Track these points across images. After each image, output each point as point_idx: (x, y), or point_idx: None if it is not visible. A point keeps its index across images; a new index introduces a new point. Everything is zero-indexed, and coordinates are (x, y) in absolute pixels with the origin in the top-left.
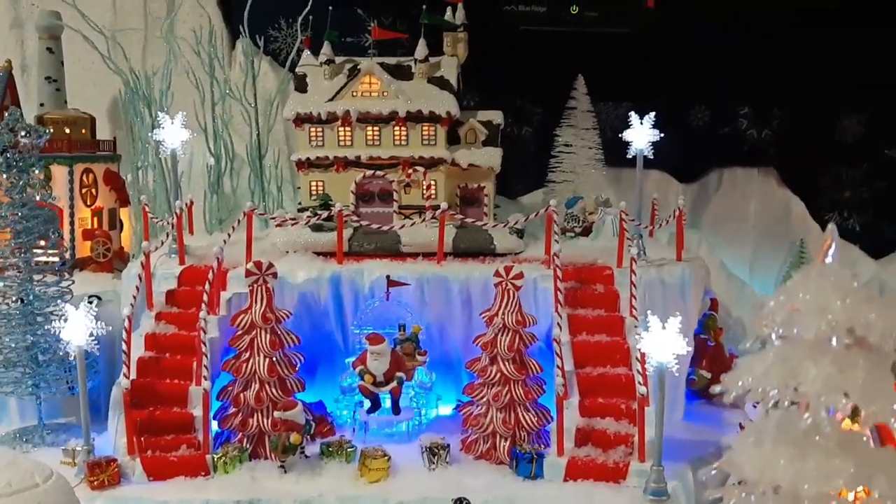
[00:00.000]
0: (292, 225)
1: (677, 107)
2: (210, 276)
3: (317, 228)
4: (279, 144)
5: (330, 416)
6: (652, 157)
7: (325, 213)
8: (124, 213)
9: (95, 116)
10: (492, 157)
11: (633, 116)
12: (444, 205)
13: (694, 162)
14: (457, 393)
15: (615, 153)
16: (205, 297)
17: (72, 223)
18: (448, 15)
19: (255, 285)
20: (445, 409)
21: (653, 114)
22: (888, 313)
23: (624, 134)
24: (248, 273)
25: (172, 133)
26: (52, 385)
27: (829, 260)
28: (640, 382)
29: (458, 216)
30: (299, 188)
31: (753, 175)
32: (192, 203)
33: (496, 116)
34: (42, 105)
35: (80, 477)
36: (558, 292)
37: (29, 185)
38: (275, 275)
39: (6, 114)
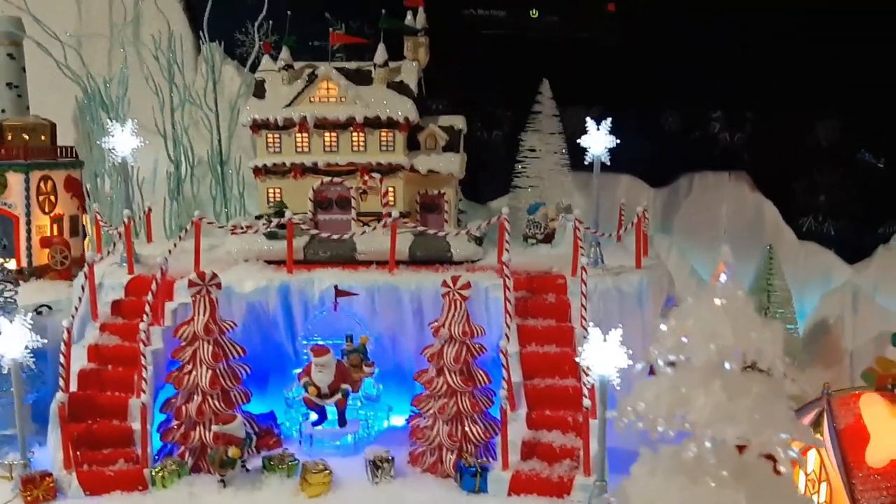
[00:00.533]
0: (247, 233)
1: (648, 111)
2: (153, 286)
3: (271, 236)
4: (244, 150)
5: (277, 429)
6: (619, 162)
7: (277, 221)
8: (86, 220)
9: (57, 123)
10: (452, 163)
11: (590, 122)
12: (395, 212)
13: (665, 166)
14: (409, 404)
15: (583, 158)
16: (147, 308)
17: (28, 230)
18: (409, 19)
19: (198, 296)
20: (398, 420)
21: (609, 119)
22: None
23: (581, 140)
24: (191, 283)
25: (123, 140)
26: None
27: (721, 282)
28: (585, 395)
29: (410, 224)
30: None
31: (725, 179)
32: (150, 210)
33: (458, 121)
34: (3, 111)
35: (15, 492)
36: (507, 302)
37: None
38: (219, 285)
39: None
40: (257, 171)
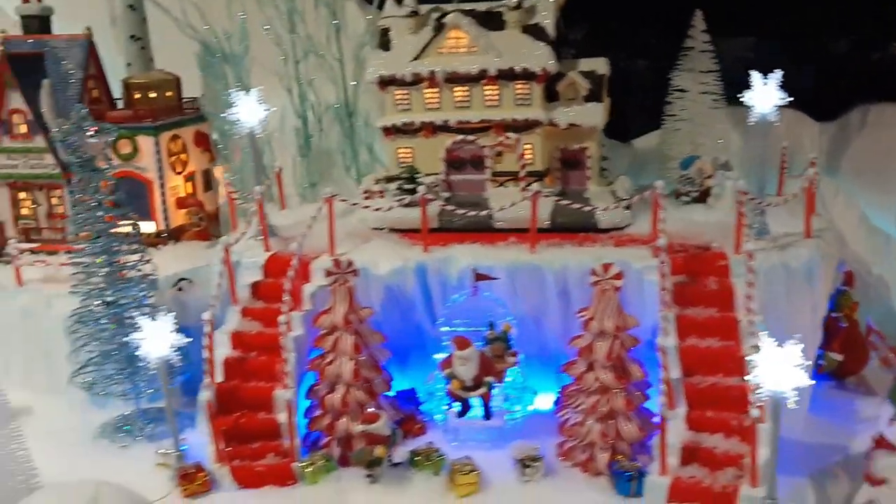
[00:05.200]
0: (380, 197)
1: (813, 34)
2: (291, 272)
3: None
4: (369, 97)
5: (421, 413)
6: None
7: (412, 193)
8: (219, 172)
9: (178, 72)
10: (595, 115)
11: (755, 76)
12: (535, 185)
13: (834, 97)
14: (556, 384)
15: (737, 90)
16: (286, 296)
17: (163, 193)
18: None
19: (336, 285)
20: (543, 402)
21: (779, 74)
22: None
23: (744, 97)
24: (329, 273)
25: (249, 110)
26: (149, 383)
27: None
28: (753, 403)
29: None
30: None
31: None
32: (280, 171)
33: (600, 65)
34: (129, 65)
35: (173, 483)
36: (664, 291)
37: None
38: (355, 272)
39: (72, 112)
40: (387, 131)
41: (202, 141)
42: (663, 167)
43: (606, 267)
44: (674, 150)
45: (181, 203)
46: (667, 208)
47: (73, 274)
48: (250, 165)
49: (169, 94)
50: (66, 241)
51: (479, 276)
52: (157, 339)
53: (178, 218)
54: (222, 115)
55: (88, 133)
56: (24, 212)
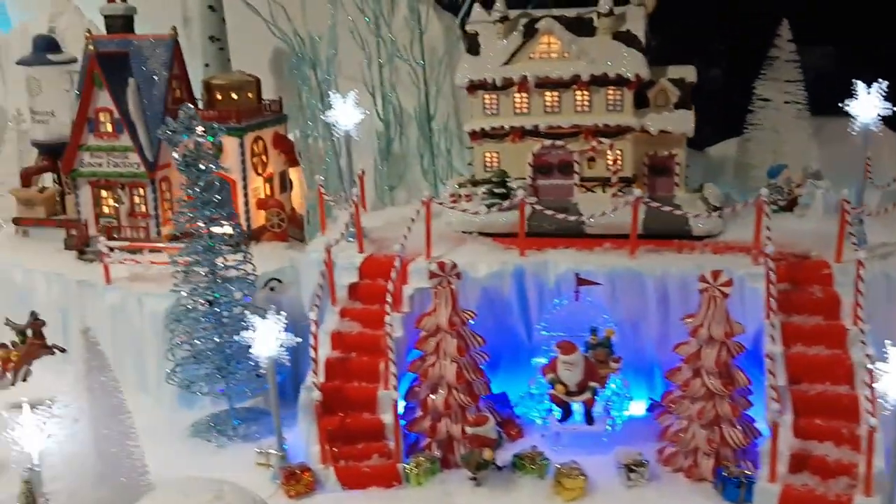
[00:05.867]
0: (467, 201)
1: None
2: (393, 274)
3: (491, 207)
4: (447, 102)
5: (518, 417)
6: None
7: (503, 197)
8: (293, 174)
9: (253, 72)
10: (685, 122)
11: (860, 86)
12: (637, 191)
13: None
14: (648, 391)
15: (818, 99)
16: (388, 297)
17: (245, 194)
18: None
19: (440, 287)
20: (637, 408)
21: (885, 84)
22: None
23: (847, 106)
24: (432, 275)
25: (345, 113)
26: (243, 383)
27: None
28: (868, 411)
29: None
30: (470, 148)
31: None
32: (363, 174)
33: (688, 73)
34: (207, 66)
35: (276, 483)
36: (771, 298)
37: (204, 182)
38: (459, 275)
39: (180, 111)
40: (473, 135)
41: (281, 142)
42: (742, 175)
43: (716, 274)
44: (755, 159)
45: (261, 204)
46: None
47: (174, 272)
48: (330, 167)
49: (250, 95)
50: (148, 240)
51: (582, 281)
52: (267, 338)
53: (259, 219)
54: (306, 117)
55: (197, 132)
56: (105, 210)
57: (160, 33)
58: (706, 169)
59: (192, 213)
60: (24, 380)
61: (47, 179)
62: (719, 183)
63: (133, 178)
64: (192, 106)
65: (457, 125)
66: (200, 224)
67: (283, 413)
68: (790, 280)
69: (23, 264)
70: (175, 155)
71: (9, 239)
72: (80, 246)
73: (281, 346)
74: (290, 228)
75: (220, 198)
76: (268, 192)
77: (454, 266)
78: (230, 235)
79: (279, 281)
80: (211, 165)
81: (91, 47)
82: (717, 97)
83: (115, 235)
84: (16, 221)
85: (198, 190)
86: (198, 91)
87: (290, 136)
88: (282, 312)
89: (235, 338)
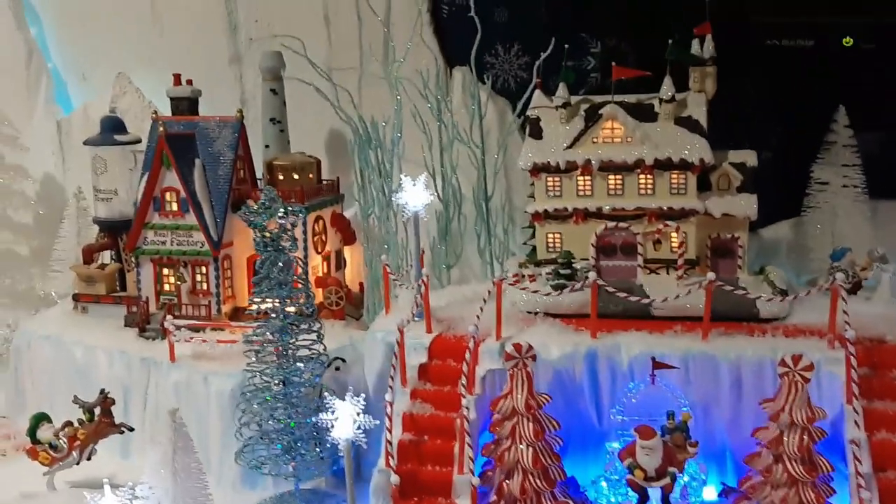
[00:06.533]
0: (531, 281)
1: None
2: (467, 355)
3: (557, 288)
4: (502, 184)
5: (590, 502)
6: None
7: (569, 278)
8: (347, 252)
9: (306, 150)
10: (748, 205)
11: None
12: (711, 275)
13: None
14: (719, 476)
15: (876, 183)
16: (464, 380)
17: (305, 273)
18: (695, 48)
19: (516, 370)
20: (708, 493)
21: None
22: None
23: None
24: (508, 356)
25: (415, 195)
26: (311, 466)
27: None
28: None
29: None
30: (525, 228)
31: None
32: (423, 254)
33: (749, 157)
34: (267, 147)
35: None
36: (853, 383)
37: (283, 263)
38: (534, 357)
39: (261, 194)
40: (536, 216)
41: (338, 221)
42: (797, 257)
43: (796, 359)
44: (812, 242)
45: (320, 282)
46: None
47: (246, 352)
48: (391, 247)
49: (311, 175)
50: (210, 318)
51: (658, 365)
52: (345, 419)
53: (317, 297)
54: (367, 197)
55: (279, 214)
56: (165, 287)
57: (225, 115)
58: (759, 250)
59: (269, 292)
60: (89, 458)
61: (105, 256)
62: (774, 265)
63: (196, 257)
64: (273, 188)
65: (508, 206)
66: (276, 304)
67: (343, 495)
68: (869, 364)
69: (83, 341)
70: (255, 236)
71: (67, 315)
72: (142, 323)
73: (359, 427)
74: (347, 307)
75: (295, 277)
76: (325, 270)
77: (530, 348)
78: (307, 315)
79: (343, 360)
80: (290, 246)
81: (161, 128)
82: (770, 179)
83: (176, 313)
84: (75, 298)
85: (276, 270)
86: (259, 171)
87: (347, 215)
88: (348, 392)
89: (312, 419)
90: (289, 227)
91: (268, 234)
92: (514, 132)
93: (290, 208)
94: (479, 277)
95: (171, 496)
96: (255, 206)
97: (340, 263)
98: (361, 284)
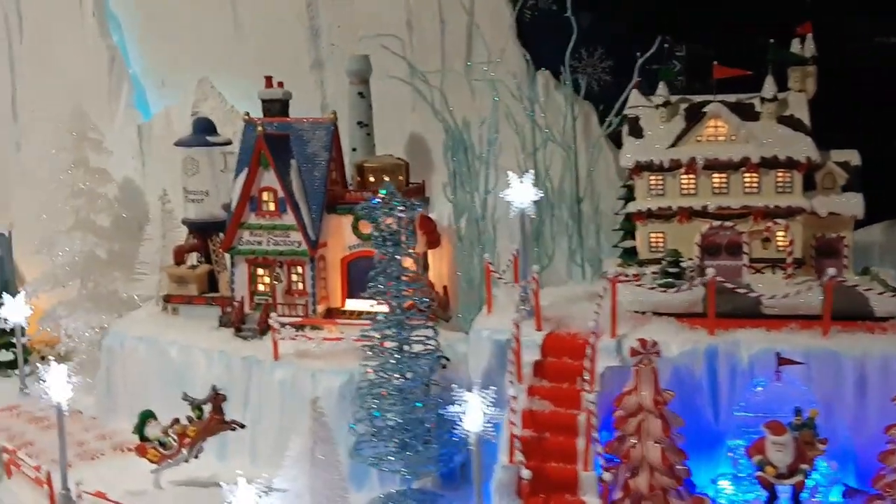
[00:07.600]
0: (635, 281)
1: None
2: (588, 351)
3: (666, 286)
4: (593, 185)
5: (713, 501)
6: None
7: (677, 277)
8: (431, 255)
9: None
10: (854, 204)
11: None
12: (831, 270)
13: None
14: (842, 475)
15: None
16: (586, 375)
17: (425, 268)
18: (795, 47)
19: (641, 366)
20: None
21: None
22: None
23: None
24: (634, 352)
25: (521, 192)
26: (426, 464)
27: None
28: None
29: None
30: (616, 230)
31: None
32: (517, 255)
33: (853, 156)
34: (354, 150)
35: None
36: None
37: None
38: (658, 353)
39: (379, 191)
40: (638, 216)
41: (425, 224)
42: (890, 259)
43: None
44: None
45: None
46: None
47: (362, 347)
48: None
49: (400, 177)
50: (306, 316)
51: (783, 361)
52: (475, 413)
53: None
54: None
55: (399, 210)
56: (259, 287)
57: (318, 117)
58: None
59: (386, 287)
60: (196, 456)
61: (191, 258)
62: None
63: (293, 256)
64: (391, 184)
65: (594, 209)
66: (394, 299)
67: (452, 496)
68: None
69: (179, 341)
70: (374, 231)
71: (158, 317)
72: (237, 323)
73: (487, 422)
74: (435, 308)
75: (414, 274)
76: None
77: (655, 344)
78: (425, 310)
79: (447, 359)
80: (408, 242)
81: (259, 128)
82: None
83: (272, 313)
84: (166, 299)
85: (394, 265)
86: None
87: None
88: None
89: (440, 412)
90: (406, 222)
91: (384, 229)
92: (598, 133)
93: (408, 203)
94: (565, 280)
95: (309, 489)
96: (377, 201)
97: (426, 267)
98: (445, 288)
